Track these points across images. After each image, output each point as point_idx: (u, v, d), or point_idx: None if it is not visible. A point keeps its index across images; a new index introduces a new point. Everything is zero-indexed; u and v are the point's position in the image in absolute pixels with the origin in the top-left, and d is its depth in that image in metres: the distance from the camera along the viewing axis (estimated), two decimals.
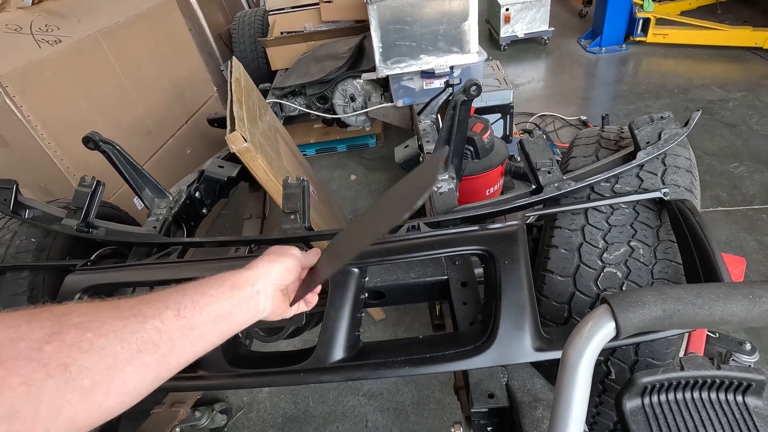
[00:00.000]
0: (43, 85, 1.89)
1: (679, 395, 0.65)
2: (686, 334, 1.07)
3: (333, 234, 1.10)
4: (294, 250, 0.70)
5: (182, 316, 0.53)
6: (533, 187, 1.07)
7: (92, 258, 1.23)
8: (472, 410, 0.80)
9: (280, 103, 2.67)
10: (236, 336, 0.72)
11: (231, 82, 1.77)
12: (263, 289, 0.64)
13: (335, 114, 2.58)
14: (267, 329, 0.89)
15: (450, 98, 2.08)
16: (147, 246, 1.20)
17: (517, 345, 0.76)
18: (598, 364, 1.03)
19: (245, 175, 1.63)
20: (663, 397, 0.66)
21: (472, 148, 2.21)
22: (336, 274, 0.85)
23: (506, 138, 2.97)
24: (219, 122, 2.50)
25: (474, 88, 1.11)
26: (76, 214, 1.23)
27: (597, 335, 0.54)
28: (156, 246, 1.19)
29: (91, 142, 1.24)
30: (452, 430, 0.91)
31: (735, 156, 2.75)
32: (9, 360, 0.40)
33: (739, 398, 0.64)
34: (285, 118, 2.92)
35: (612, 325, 0.54)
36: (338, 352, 0.82)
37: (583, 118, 3.41)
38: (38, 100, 1.86)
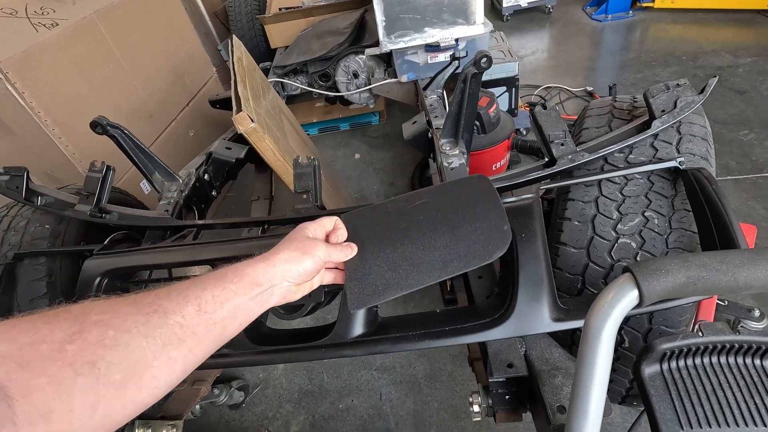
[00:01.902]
0: (42, 71, 1.86)
1: (698, 360, 0.66)
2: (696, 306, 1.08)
3: (344, 212, 1.10)
4: (318, 250, 0.68)
5: (204, 311, 0.53)
6: (546, 159, 1.06)
7: (105, 243, 1.25)
8: (491, 380, 0.82)
9: (281, 82, 2.63)
10: None
11: (233, 62, 1.74)
12: (278, 286, 0.64)
13: (338, 92, 2.54)
14: (288, 307, 0.90)
15: (456, 71, 2.04)
16: (161, 229, 1.20)
17: (535, 316, 0.77)
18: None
19: (253, 156, 1.62)
20: (682, 363, 0.67)
21: (478, 123, 2.19)
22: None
23: (511, 112, 2.92)
24: (221, 103, 2.47)
25: (484, 60, 1.09)
26: (89, 200, 1.23)
27: (620, 303, 0.55)
28: (169, 229, 1.20)
29: (98, 126, 1.23)
30: (470, 399, 0.93)
31: (745, 123, 2.71)
32: (32, 362, 0.40)
33: (758, 362, 0.65)
34: (286, 98, 2.88)
35: (635, 293, 0.54)
36: (358, 328, 0.83)
37: (590, 89, 3.35)
38: (39, 85, 1.83)
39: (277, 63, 2.65)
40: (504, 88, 2.82)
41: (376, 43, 2.11)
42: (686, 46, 3.64)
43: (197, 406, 1.82)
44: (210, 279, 0.58)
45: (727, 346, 0.65)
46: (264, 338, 0.87)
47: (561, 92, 3.41)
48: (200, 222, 1.23)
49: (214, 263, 0.94)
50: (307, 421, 1.77)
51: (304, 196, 1.10)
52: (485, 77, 2.81)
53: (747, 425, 0.62)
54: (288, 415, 1.81)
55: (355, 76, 2.43)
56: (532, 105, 3.25)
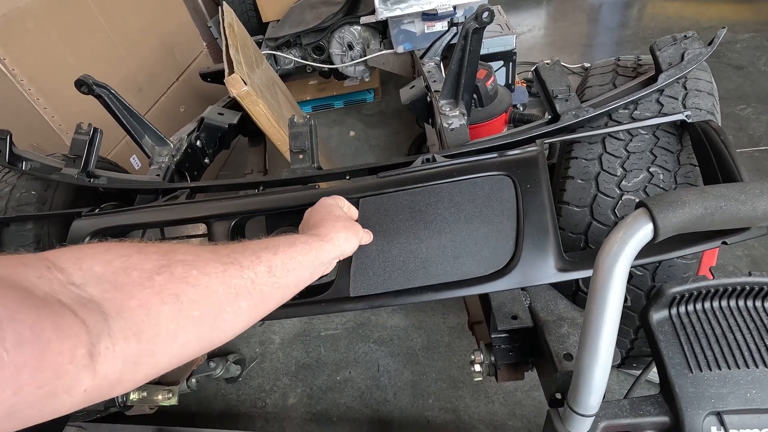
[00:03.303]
0: (26, 37, 1.79)
1: (707, 304, 0.65)
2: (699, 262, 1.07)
3: (342, 173, 1.07)
4: (359, 232, 0.75)
5: (273, 275, 0.57)
6: (549, 116, 1.03)
7: (96, 211, 1.21)
8: (494, 335, 0.80)
9: (274, 55, 2.56)
10: None
11: (224, 28, 1.68)
12: (331, 264, 0.70)
13: (332, 65, 2.48)
14: None
15: (453, 40, 1.99)
16: (152, 193, 1.16)
17: (540, 266, 0.76)
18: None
19: (246, 125, 1.57)
20: (691, 307, 0.66)
21: (475, 95, 2.15)
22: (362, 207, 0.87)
23: (509, 87, 2.88)
24: (212, 76, 2.41)
25: (486, 14, 1.05)
26: (76, 163, 1.19)
27: (634, 237, 0.52)
28: (161, 192, 1.16)
29: (84, 85, 1.18)
30: (472, 357, 0.92)
31: (742, 98, 2.69)
32: (125, 286, 0.43)
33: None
34: (280, 75, 2.81)
35: (650, 226, 0.52)
36: (342, 285, 0.82)
37: (587, 65, 3.32)
38: (22, 52, 1.76)
39: (270, 35, 2.58)
40: (501, 63, 2.78)
41: (372, 12, 2.05)
42: (683, 23, 3.60)
43: (194, 380, 1.80)
44: (282, 245, 0.61)
45: (738, 288, 0.63)
46: None
47: None
48: (192, 184, 1.19)
49: (208, 221, 0.91)
50: (305, 393, 1.77)
51: (300, 156, 1.06)
52: (482, 50, 2.76)
53: (758, 366, 0.61)
54: (285, 387, 1.80)
55: (350, 47, 2.37)
56: (528, 81, 3.21)
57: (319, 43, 2.48)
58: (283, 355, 1.92)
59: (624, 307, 1.07)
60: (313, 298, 0.80)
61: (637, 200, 0.57)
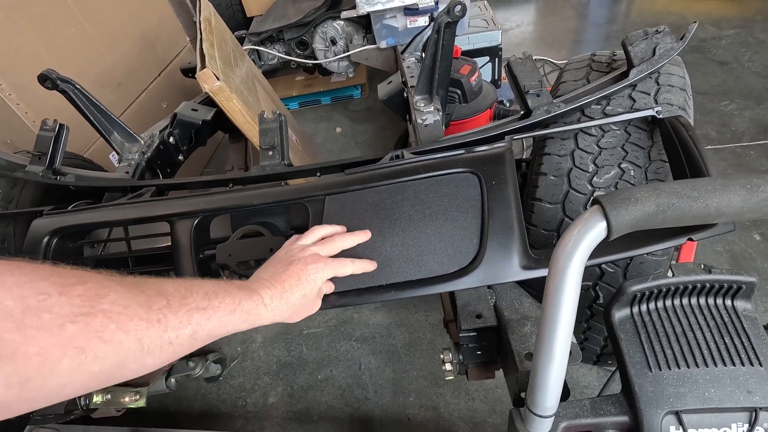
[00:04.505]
0: None
1: (668, 302, 0.64)
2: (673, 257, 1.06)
3: (313, 170, 1.05)
4: (331, 264, 0.72)
5: (196, 338, 0.56)
6: (521, 112, 1.02)
7: (66, 210, 1.18)
8: (461, 333, 0.79)
9: (257, 50, 2.52)
10: None
11: (199, 22, 1.65)
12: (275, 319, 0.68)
13: (316, 60, 2.45)
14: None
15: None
16: (120, 191, 1.14)
17: (504, 264, 0.74)
18: (586, 289, 1.03)
19: (222, 121, 1.54)
20: (652, 305, 0.65)
21: (459, 91, 2.13)
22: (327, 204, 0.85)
23: (495, 83, 2.87)
24: (193, 72, 2.36)
25: (458, 7, 1.03)
26: (41, 160, 1.15)
27: (588, 235, 0.51)
28: (129, 189, 1.13)
29: (48, 80, 1.14)
30: (441, 356, 0.91)
31: (726, 94, 2.70)
32: (30, 329, 0.40)
33: (728, 302, 0.63)
34: (265, 72, 2.78)
35: (603, 224, 0.51)
36: None
37: None
38: None
39: (252, 30, 2.54)
40: (487, 58, 2.76)
41: (353, 7, 2.03)
42: (671, 18, 3.61)
43: (173, 379, 1.78)
44: (221, 309, 0.59)
45: (699, 286, 0.62)
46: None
47: (545, 65, 3.36)
48: (161, 181, 1.17)
49: (171, 219, 0.89)
50: (286, 392, 1.75)
51: (270, 153, 1.04)
52: (468, 46, 2.74)
53: (716, 365, 0.60)
54: (266, 386, 1.79)
55: (333, 42, 2.34)
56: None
57: (303, 38, 2.45)
58: (264, 354, 1.90)
59: (597, 305, 1.07)
60: None
61: (593, 196, 0.56)
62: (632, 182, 0.94)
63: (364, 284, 0.76)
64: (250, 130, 1.41)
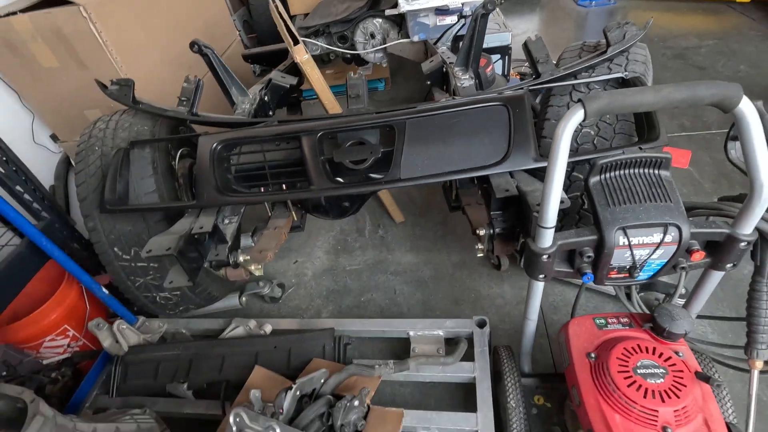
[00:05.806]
0: (114, 15, 2.19)
1: (622, 171, 1.09)
2: None
3: (391, 111, 1.50)
4: None
5: None
6: (533, 76, 1.48)
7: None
8: (493, 203, 1.23)
9: (304, 41, 2.98)
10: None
11: (278, 12, 2.11)
12: None
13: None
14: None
15: (460, 32, 2.44)
16: (242, 125, 1.58)
17: (522, 157, 1.19)
18: (575, 199, 1.47)
19: (299, 88, 1.99)
20: (613, 173, 1.09)
21: (477, 79, 2.59)
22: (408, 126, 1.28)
23: (505, 77, 3.34)
24: (253, 58, 2.83)
25: (490, 3, 1.49)
26: (184, 104, 1.60)
27: (574, 116, 0.96)
28: (247, 125, 1.57)
29: (195, 45, 1.59)
30: (478, 231, 1.34)
31: None
32: None
33: (656, 171, 1.08)
34: None
35: (582, 111, 0.96)
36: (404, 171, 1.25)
37: None
38: (112, 27, 2.17)
39: (301, 24, 3.01)
40: (499, 56, 3.24)
41: (395, 6, 2.49)
42: (658, 30, 4.10)
43: (244, 298, 2.21)
44: None
45: (639, 160, 1.07)
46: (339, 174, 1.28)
47: None
48: (278, 118, 1.61)
49: (300, 135, 1.32)
50: (336, 310, 2.18)
51: (356, 99, 1.49)
52: (484, 45, 3.22)
53: (646, 201, 1.04)
54: (319, 306, 2.21)
55: (372, 36, 2.80)
56: (522, 75, 3.68)
57: (344, 33, 2.91)
58: (315, 284, 2.33)
59: (583, 210, 1.50)
60: (373, 178, 1.22)
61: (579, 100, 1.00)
62: (607, 122, 1.39)
63: (437, 170, 1.19)
64: (324, 92, 1.85)
